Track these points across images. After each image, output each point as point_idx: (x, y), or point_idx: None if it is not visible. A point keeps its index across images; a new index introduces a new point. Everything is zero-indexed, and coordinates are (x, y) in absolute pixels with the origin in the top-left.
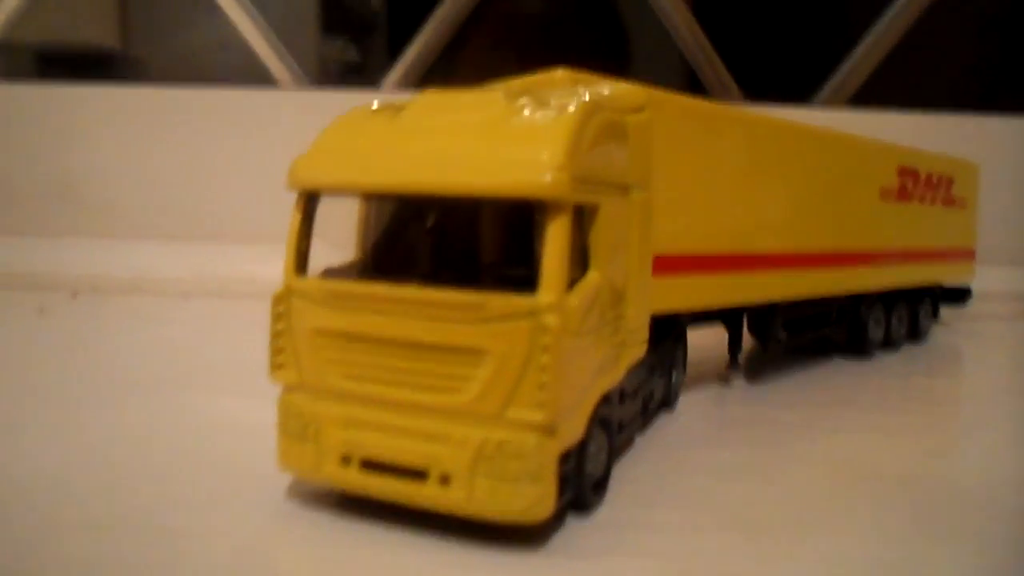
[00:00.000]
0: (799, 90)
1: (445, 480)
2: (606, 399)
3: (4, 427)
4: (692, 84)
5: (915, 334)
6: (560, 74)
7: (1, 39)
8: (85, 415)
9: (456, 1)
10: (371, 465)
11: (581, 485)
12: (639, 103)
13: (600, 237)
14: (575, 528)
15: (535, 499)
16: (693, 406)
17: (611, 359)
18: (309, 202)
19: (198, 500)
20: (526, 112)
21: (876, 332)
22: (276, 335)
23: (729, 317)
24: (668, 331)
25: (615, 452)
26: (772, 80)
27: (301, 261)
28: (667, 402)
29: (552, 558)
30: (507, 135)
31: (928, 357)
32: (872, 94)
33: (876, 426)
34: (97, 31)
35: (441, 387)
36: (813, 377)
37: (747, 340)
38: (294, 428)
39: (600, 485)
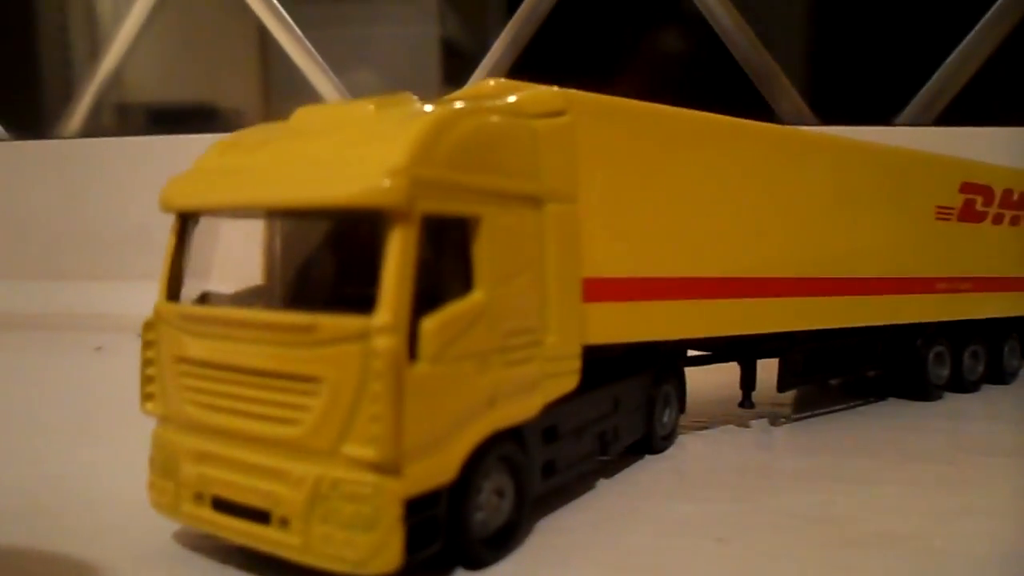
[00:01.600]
0: (879, 111)
1: (284, 523)
2: (513, 436)
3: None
4: (759, 109)
5: (999, 375)
6: (491, 84)
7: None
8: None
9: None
10: (220, 504)
11: (463, 536)
12: (556, 107)
13: (487, 253)
14: None
15: (371, 549)
16: (686, 449)
17: (514, 390)
18: (182, 224)
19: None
20: (386, 122)
21: (938, 371)
22: (145, 364)
23: (739, 351)
24: (646, 364)
25: (528, 498)
26: (848, 102)
27: (173, 286)
28: (649, 444)
29: None
30: (356, 145)
31: (1008, 402)
32: (964, 111)
33: (898, 479)
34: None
35: (281, 419)
36: (848, 420)
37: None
38: (159, 463)
39: (503, 536)
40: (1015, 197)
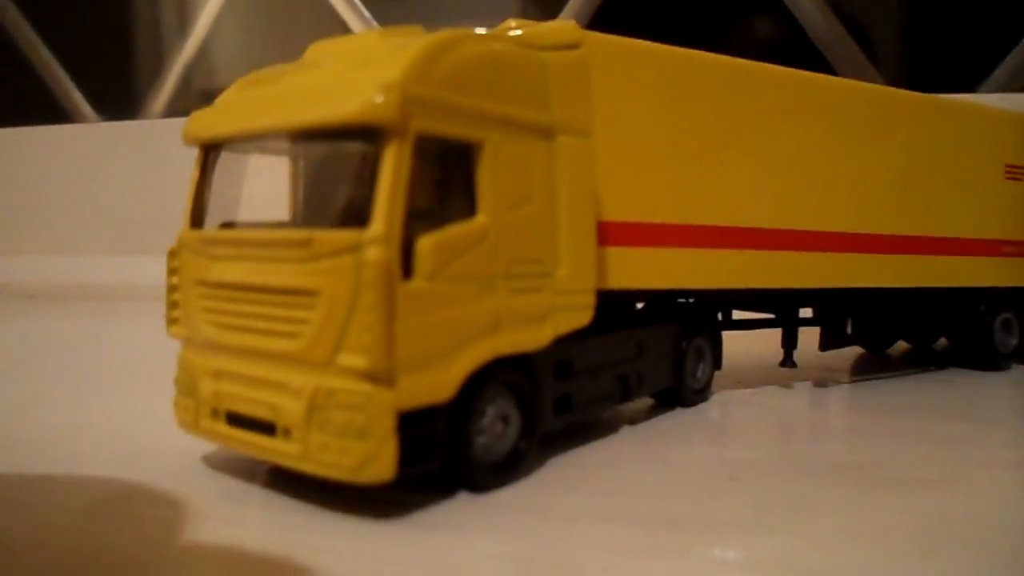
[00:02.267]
0: (965, 79)
1: (287, 433)
2: (521, 364)
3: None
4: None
5: None
6: (511, 23)
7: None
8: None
9: None
10: (233, 418)
11: (465, 458)
12: (569, 40)
13: (492, 179)
14: (454, 504)
15: (364, 457)
16: (717, 404)
17: (520, 317)
18: (205, 156)
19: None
20: (388, 48)
21: (1006, 339)
22: (170, 290)
23: (780, 306)
24: (675, 315)
25: (536, 428)
26: (931, 71)
27: (197, 215)
28: (679, 395)
29: (392, 528)
30: (355, 69)
31: None
32: None
33: (936, 436)
34: None
35: (284, 332)
36: (898, 385)
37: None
38: (183, 383)
39: (508, 463)
40: None
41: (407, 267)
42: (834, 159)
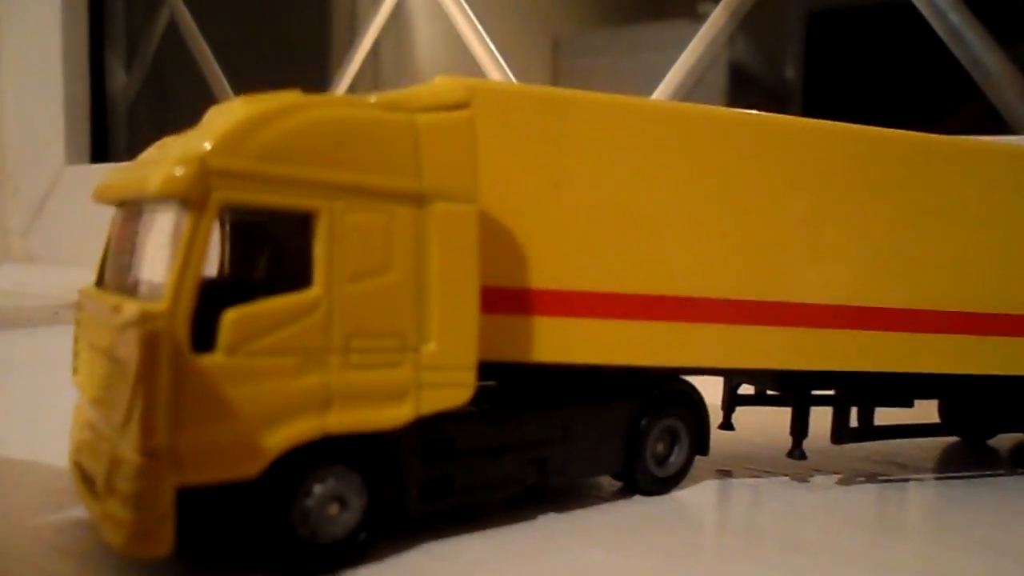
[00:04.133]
0: None
1: (97, 495)
2: (371, 444)
3: None
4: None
5: None
6: (438, 81)
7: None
8: None
9: None
10: (80, 470)
11: (286, 538)
12: (454, 100)
13: (329, 249)
14: None
15: (137, 531)
16: (683, 497)
17: (363, 394)
18: (115, 215)
19: None
20: (231, 116)
21: None
22: (75, 339)
23: (787, 387)
24: (631, 391)
25: (382, 512)
26: None
27: (101, 271)
28: (633, 479)
29: None
30: (192, 139)
31: None
32: None
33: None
34: None
35: (108, 396)
36: (949, 491)
37: None
38: (72, 432)
39: (345, 547)
40: None
41: (211, 339)
42: (825, 218)
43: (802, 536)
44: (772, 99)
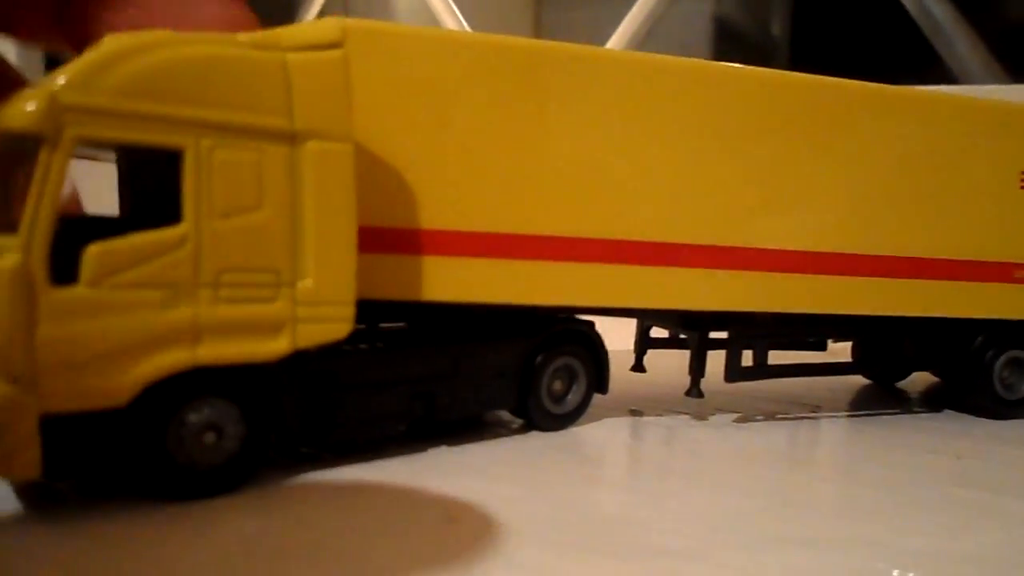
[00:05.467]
0: None
1: None
2: (249, 375)
3: None
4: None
5: None
6: (314, 21)
7: None
8: None
9: None
10: None
11: (165, 463)
12: (327, 40)
13: (196, 186)
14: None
15: (5, 456)
16: (579, 432)
17: (235, 328)
18: None
19: None
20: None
21: (1016, 383)
22: None
23: (686, 327)
24: (526, 330)
25: (263, 440)
26: None
27: None
28: (528, 416)
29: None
30: (56, 73)
31: None
32: None
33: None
34: None
35: None
36: (848, 427)
37: None
38: None
39: (223, 473)
40: None
41: (73, 272)
42: (766, 162)
43: (677, 467)
44: (758, 54)
